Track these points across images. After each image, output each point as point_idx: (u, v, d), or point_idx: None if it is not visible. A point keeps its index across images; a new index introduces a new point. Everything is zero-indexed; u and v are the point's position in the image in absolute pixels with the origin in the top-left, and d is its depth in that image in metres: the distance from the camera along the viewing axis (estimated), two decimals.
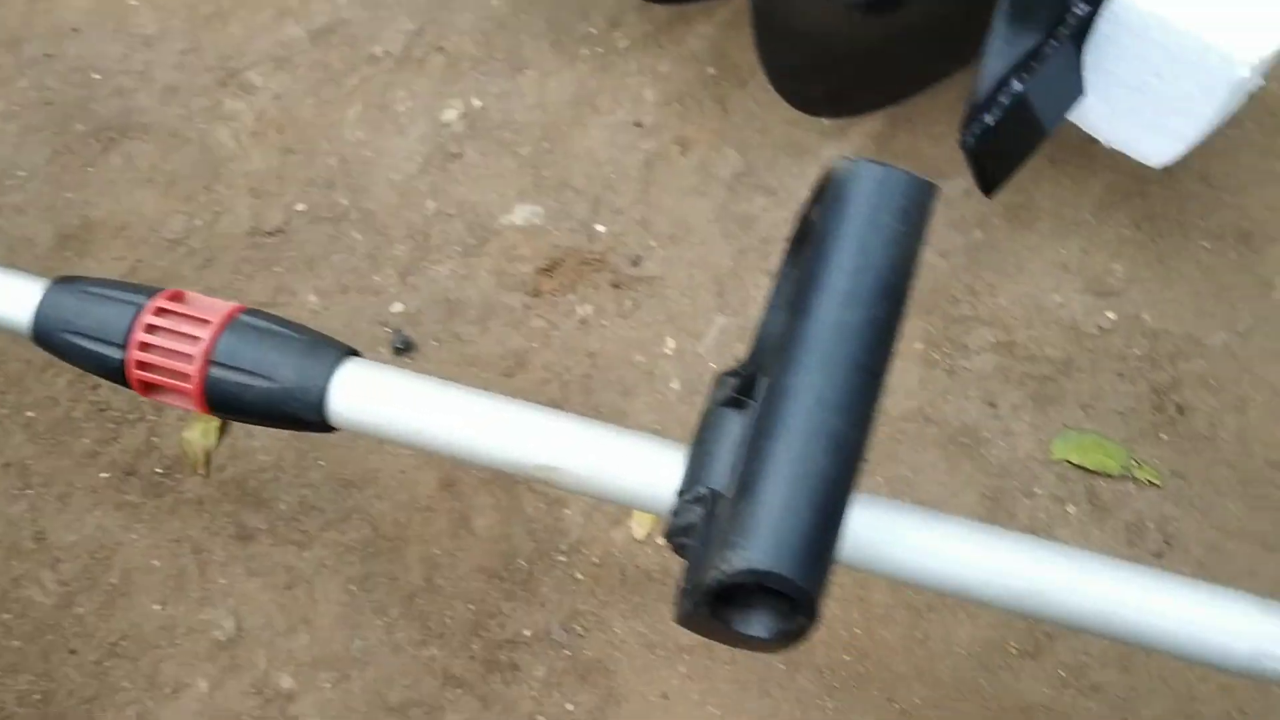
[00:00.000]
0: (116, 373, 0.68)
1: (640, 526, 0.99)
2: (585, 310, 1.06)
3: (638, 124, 1.11)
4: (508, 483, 1.00)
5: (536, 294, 1.06)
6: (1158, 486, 1.00)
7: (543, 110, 1.12)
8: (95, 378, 0.79)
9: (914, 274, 0.57)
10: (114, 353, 0.67)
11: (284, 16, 1.19)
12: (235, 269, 1.07)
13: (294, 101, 1.13)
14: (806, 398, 0.53)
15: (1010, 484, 1.01)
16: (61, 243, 1.09)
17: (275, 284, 1.06)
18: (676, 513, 0.58)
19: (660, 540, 0.99)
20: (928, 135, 1.09)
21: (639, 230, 1.08)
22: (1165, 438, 1.01)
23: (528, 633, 0.98)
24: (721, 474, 0.56)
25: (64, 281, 0.70)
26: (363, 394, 0.68)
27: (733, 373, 0.60)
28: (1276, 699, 0.95)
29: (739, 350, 1.06)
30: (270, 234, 1.08)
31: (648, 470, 0.64)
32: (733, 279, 1.07)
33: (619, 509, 1.00)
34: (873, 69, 1.04)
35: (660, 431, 1.02)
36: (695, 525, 0.56)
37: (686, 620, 0.54)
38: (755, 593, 0.53)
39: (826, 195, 0.57)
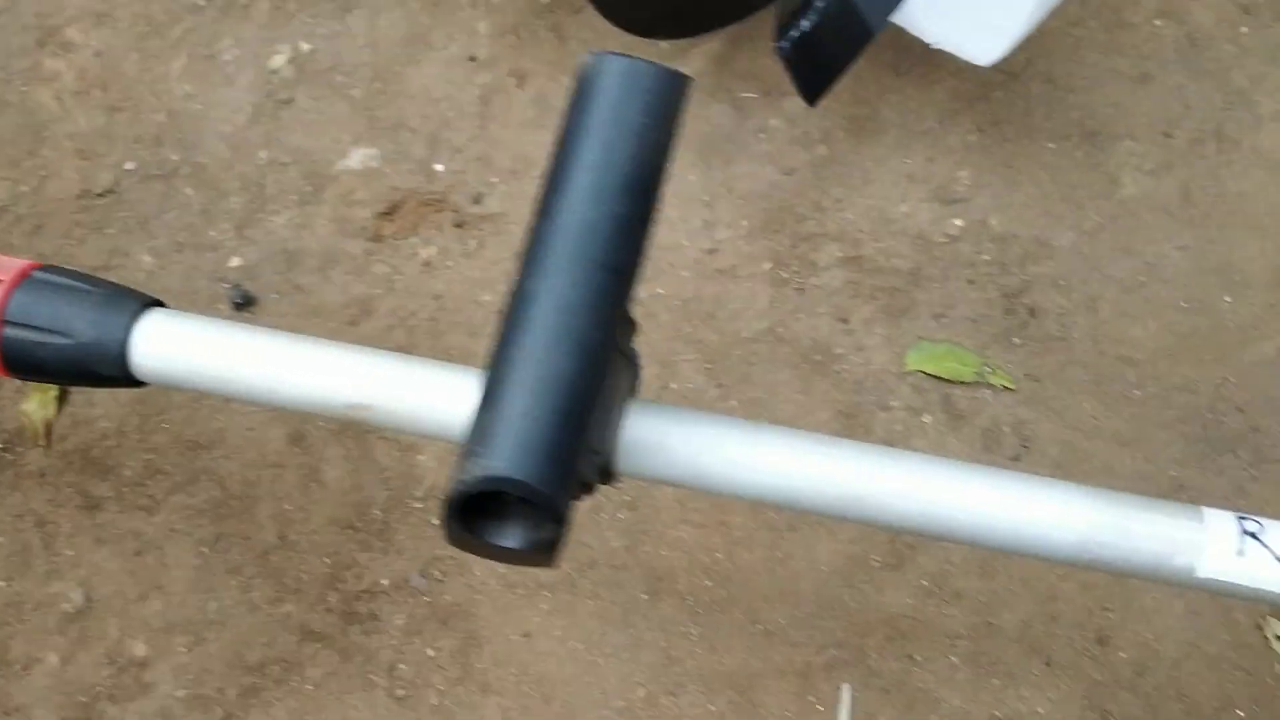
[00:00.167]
0: None
1: None
2: (429, 252, 1.04)
3: (472, 59, 1.09)
4: (358, 433, 0.98)
5: (378, 239, 1.04)
6: (1012, 391, 1.00)
7: (374, 50, 1.09)
8: None
9: (666, 168, 0.56)
10: None
11: None
12: (66, 234, 1.04)
13: (117, 57, 1.09)
14: (545, 300, 0.51)
15: (865, 399, 1.00)
16: None
17: (109, 246, 1.03)
18: None
19: None
20: (770, 53, 1.08)
21: (479, 167, 1.06)
22: (1018, 341, 1.01)
23: (386, 582, 0.96)
24: None
25: None
26: (166, 345, 0.66)
27: None
28: (1136, 593, 0.96)
29: None
30: (100, 195, 1.05)
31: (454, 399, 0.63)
32: None
33: None
34: None
35: None
36: None
37: (449, 538, 0.52)
38: (510, 504, 0.52)
39: (574, 92, 0.56)
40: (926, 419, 0.99)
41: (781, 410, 0.99)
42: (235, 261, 1.04)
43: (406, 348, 1.01)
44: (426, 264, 1.04)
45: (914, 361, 1.00)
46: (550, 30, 1.12)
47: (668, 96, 0.55)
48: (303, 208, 1.06)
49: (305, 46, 1.11)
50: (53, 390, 1.00)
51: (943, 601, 0.95)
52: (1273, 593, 0.70)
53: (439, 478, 0.98)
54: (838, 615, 0.95)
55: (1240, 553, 0.70)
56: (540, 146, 1.08)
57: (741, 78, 1.09)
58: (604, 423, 0.57)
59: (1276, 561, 0.70)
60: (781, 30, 0.91)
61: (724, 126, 1.08)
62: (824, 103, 1.06)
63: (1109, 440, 0.98)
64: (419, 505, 0.98)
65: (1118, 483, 0.99)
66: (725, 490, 0.67)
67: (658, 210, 0.58)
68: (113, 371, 0.65)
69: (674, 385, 1.00)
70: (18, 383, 0.99)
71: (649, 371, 1.01)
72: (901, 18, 0.92)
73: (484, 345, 1.01)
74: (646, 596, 0.96)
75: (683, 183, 1.06)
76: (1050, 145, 1.08)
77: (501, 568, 0.98)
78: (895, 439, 0.98)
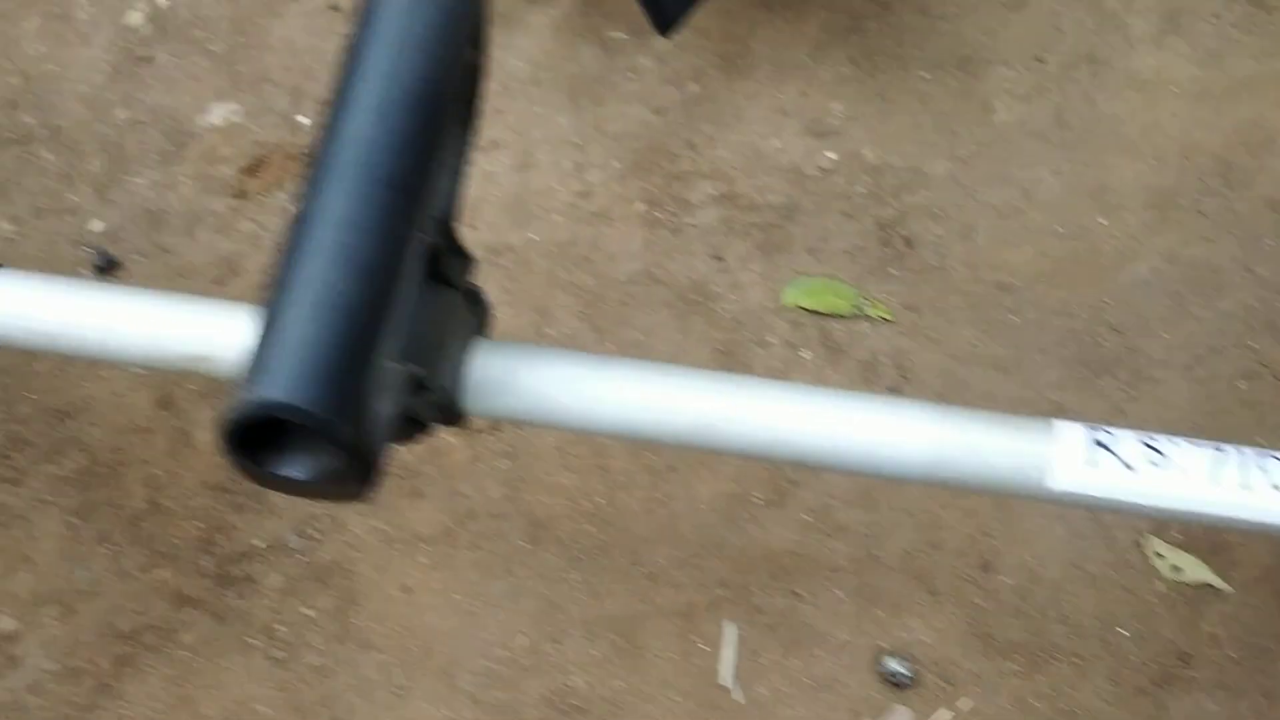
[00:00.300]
0: None
1: None
2: None
3: (334, 7, 1.07)
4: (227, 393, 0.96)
5: (243, 195, 1.02)
6: (891, 322, 0.99)
7: (234, 3, 1.07)
8: None
9: (455, 84, 0.54)
10: None
11: None
12: None
13: None
14: (323, 220, 0.49)
15: (743, 336, 1.00)
16: None
17: None
18: None
19: None
20: None
21: None
22: (895, 272, 1.01)
23: (260, 543, 0.95)
24: None
25: None
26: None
27: None
28: (1018, 518, 0.96)
29: (463, 230, 1.03)
30: None
31: None
32: None
33: None
34: None
35: None
36: None
37: (238, 470, 0.50)
38: (299, 434, 0.50)
39: (360, 7, 0.54)
40: (805, 354, 0.99)
41: (659, 351, 0.98)
42: (97, 225, 1.02)
43: None
44: None
45: (791, 297, 1.00)
46: None
47: (457, 11, 0.53)
48: (165, 167, 1.03)
49: (163, 2, 1.09)
50: None
51: (825, 535, 0.95)
52: (1125, 502, 0.70)
53: None
54: (720, 554, 0.95)
55: (1091, 463, 0.70)
56: None
57: (610, 18, 1.08)
58: (433, 358, 0.56)
59: (1128, 470, 0.70)
60: None
61: (593, 67, 1.07)
62: (695, 40, 1.05)
63: (988, 367, 0.98)
64: None
65: (997, 409, 0.99)
66: (578, 425, 0.66)
67: (460, 130, 0.56)
68: None
69: (550, 331, 0.99)
70: None
71: (524, 319, 1.00)
72: None
73: None
74: (527, 545, 0.95)
75: (552, 125, 1.05)
76: (923, 74, 1.07)
77: (380, 523, 0.96)
78: (774, 375, 0.98)
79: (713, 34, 1.07)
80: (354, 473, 0.49)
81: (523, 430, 0.95)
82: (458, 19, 0.55)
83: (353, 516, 0.95)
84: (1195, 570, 0.95)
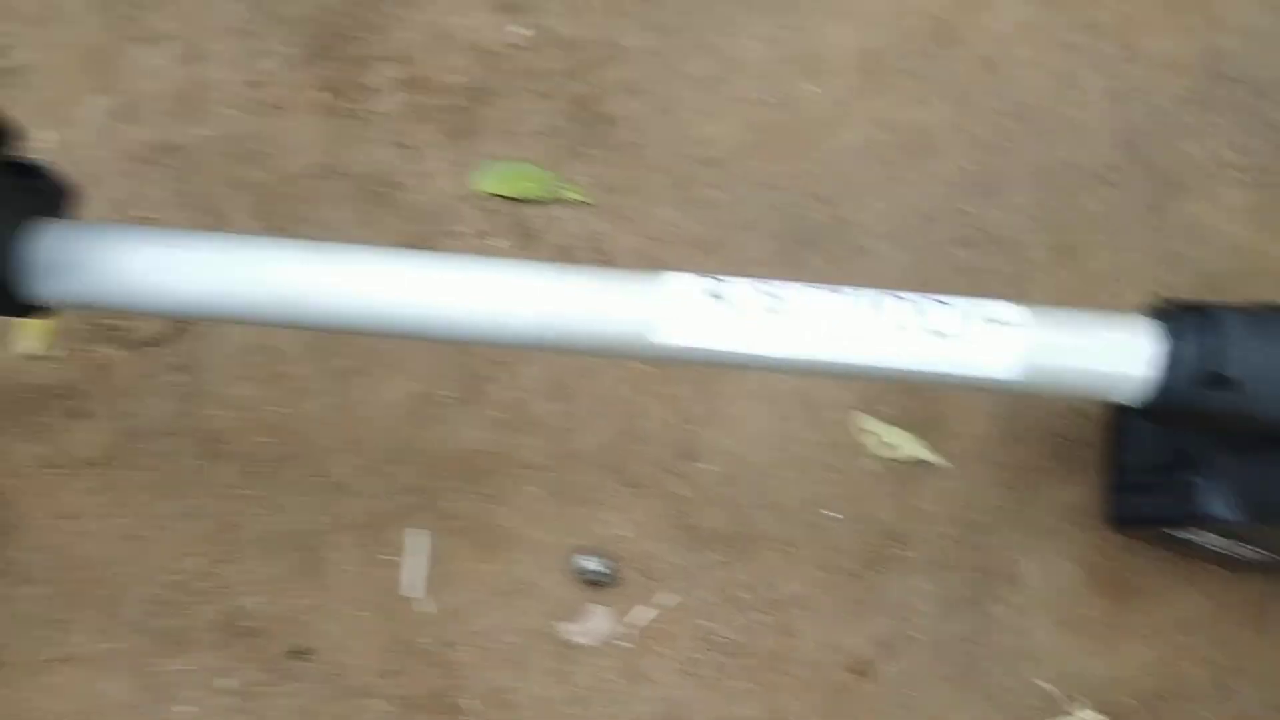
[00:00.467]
0: None
1: (31, 340, 0.89)
2: None
3: None
4: None
5: None
6: (588, 204, 0.94)
7: None
8: None
9: None
10: None
11: None
12: None
13: None
14: None
15: (432, 227, 0.94)
16: None
17: None
18: None
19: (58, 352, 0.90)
20: None
21: (1, 17, 0.96)
22: (593, 152, 0.95)
23: None
24: None
25: None
26: None
27: None
28: (720, 403, 0.92)
29: (125, 129, 0.96)
30: None
31: None
32: (105, 55, 0.96)
33: (3, 326, 0.91)
34: None
35: None
36: None
37: None
38: None
39: None
40: (499, 242, 0.93)
41: None
42: None
43: None
44: None
45: (482, 183, 0.94)
46: None
47: None
48: None
49: None
50: None
51: (519, 432, 0.90)
52: (742, 354, 0.66)
53: None
54: (409, 459, 0.89)
55: (703, 315, 0.65)
56: None
57: None
58: None
59: (744, 320, 0.65)
60: None
61: None
62: None
63: (690, 246, 0.93)
64: None
65: None
66: (160, 306, 0.60)
67: None
68: None
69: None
70: None
71: (196, 222, 0.93)
72: None
73: None
74: (201, 462, 0.89)
75: (224, 12, 0.97)
76: None
77: (42, 448, 0.90)
78: None
79: None
80: None
81: (198, 340, 0.90)
82: None
83: (14, 443, 0.89)
84: (907, 446, 0.91)
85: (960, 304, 0.66)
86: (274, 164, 0.95)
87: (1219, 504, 0.68)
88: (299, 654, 0.86)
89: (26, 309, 0.59)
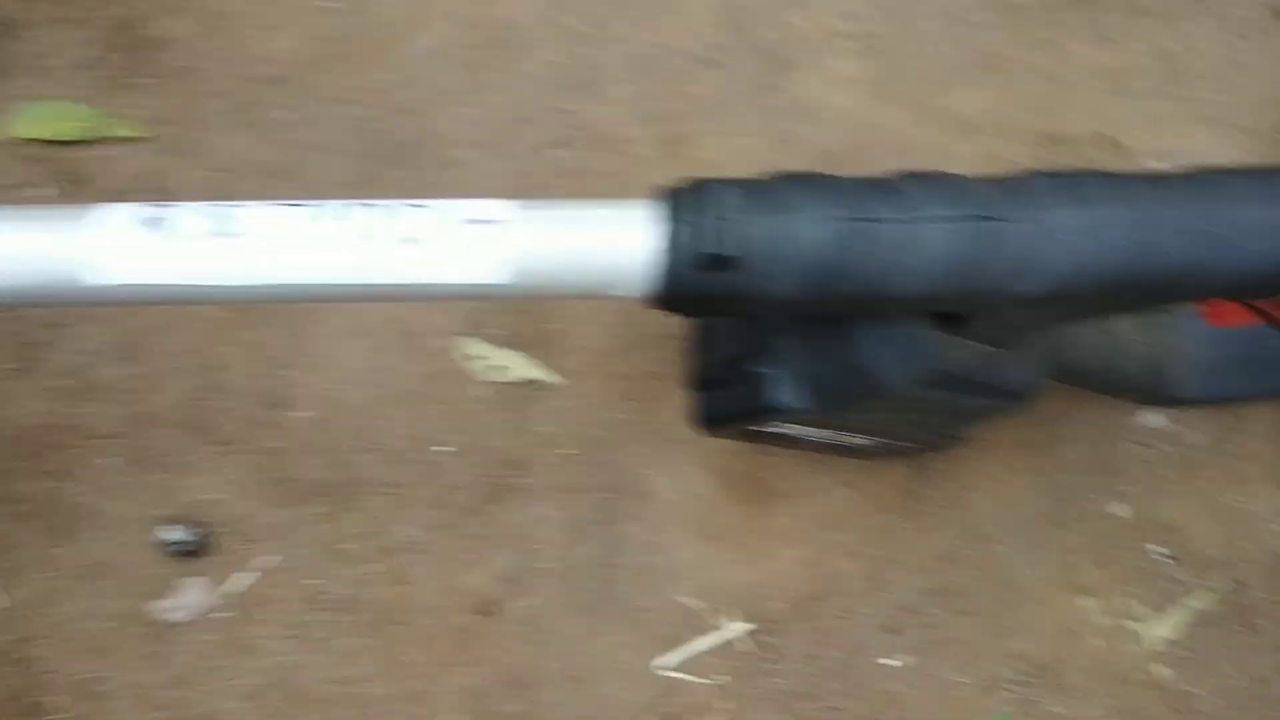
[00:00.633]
0: None
1: None
2: None
3: None
4: None
5: None
6: (144, 140, 0.86)
7: None
8: None
9: None
10: None
11: None
12: None
13: None
14: None
15: None
16: None
17: None
18: None
19: None
20: None
21: None
22: (142, 82, 0.90)
23: None
24: None
25: None
26: None
27: None
28: (308, 343, 0.92)
29: None
30: None
31: None
32: None
33: None
34: None
35: None
36: None
37: None
38: None
39: None
40: (43, 191, 0.85)
41: None
42: None
43: None
44: None
45: (18, 129, 0.85)
46: None
47: None
48: None
49: None
50: None
51: (85, 400, 0.84)
52: (183, 286, 0.59)
53: None
54: None
55: (139, 248, 0.57)
56: None
57: None
58: None
59: (188, 249, 0.57)
60: None
61: None
62: None
63: (264, 175, 0.88)
64: None
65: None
66: None
67: None
68: None
69: None
70: None
71: None
72: None
73: None
74: None
75: None
76: None
77: None
78: None
79: None
80: None
81: None
82: None
83: None
84: (518, 367, 0.87)
85: (440, 206, 0.60)
86: None
87: (786, 393, 0.64)
88: None
89: None
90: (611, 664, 0.90)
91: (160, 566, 0.88)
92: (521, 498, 0.92)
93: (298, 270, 0.62)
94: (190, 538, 0.89)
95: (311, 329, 0.92)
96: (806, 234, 0.51)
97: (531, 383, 0.93)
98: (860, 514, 0.94)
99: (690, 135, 0.97)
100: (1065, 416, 0.90)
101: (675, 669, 0.90)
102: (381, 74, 0.96)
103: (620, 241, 0.58)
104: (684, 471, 0.93)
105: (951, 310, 0.62)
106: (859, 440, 0.81)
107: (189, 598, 0.90)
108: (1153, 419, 0.92)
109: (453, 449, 0.92)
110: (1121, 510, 0.93)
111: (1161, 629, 0.92)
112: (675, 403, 0.92)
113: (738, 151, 0.96)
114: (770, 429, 0.77)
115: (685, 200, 0.58)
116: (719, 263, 0.55)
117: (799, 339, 0.69)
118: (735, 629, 0.91)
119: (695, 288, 0.56)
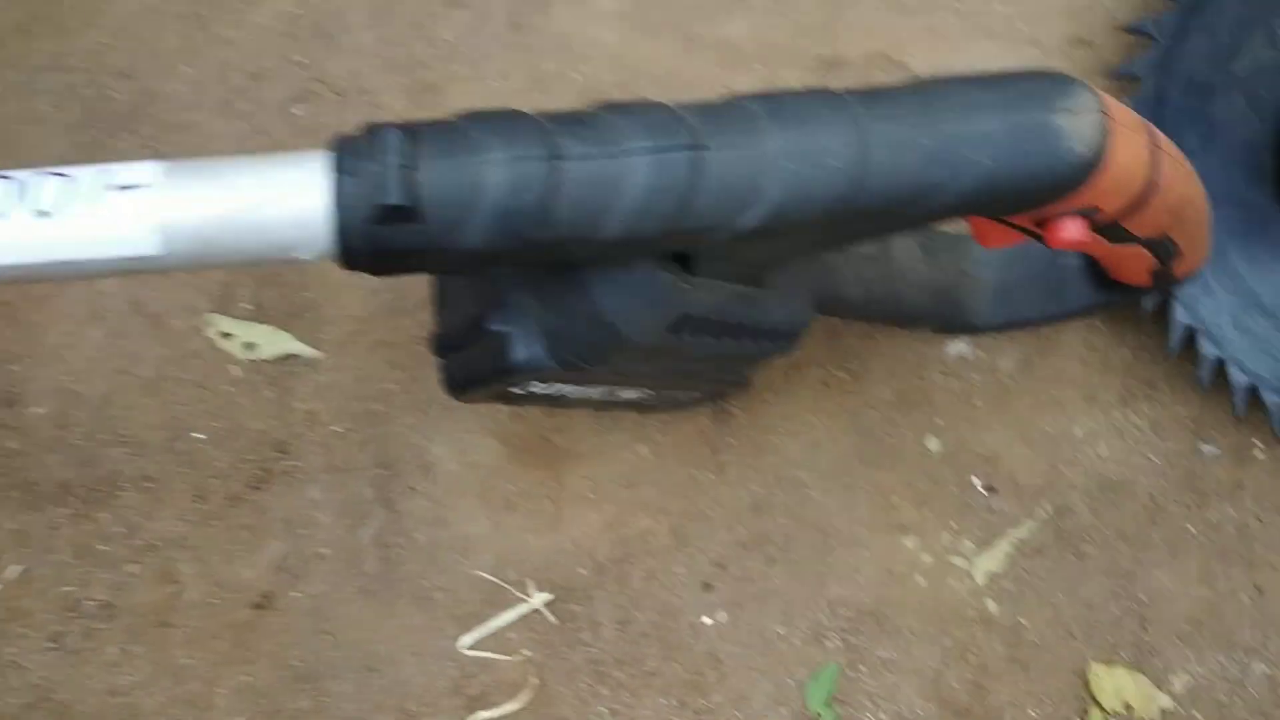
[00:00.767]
0: None
1: None
2: None
3: None
4: None
5: None
6: None
7: None
8: None
9: None
10: None
11: None
12: None
13: None
14: None
15: None
16: None
17: None
18: None
19: None
20: None
21: None
22: None
23: None
24: None
25: None
26: None
27: None
28: (38, 332, 0.85)
29: None
30: None
31: None
32: None
33: None
34: None
35: None
36: None
37: None
38: None
39: None
40: None
41: None
42: None
43: None
44: None
45: None
46: None
47: None
48: None
49: None
50: None
51: None
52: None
53: None
54: None
55: None
56: None
57: None
58: None
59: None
60: None
61: None
62: None
63: None
64: None
65: None
66: None
67: None
68: None
69: None
70: None
71: None
72: None
73: None
74: None
75: None
76: None
77: None
78: None
79: None
80: None
81: None
82: None
83: None
84: (275, 342, 0.84)
85: (83, 173, 0.53)
86: None
87: (527, 351, 0.59)
88: None
89: None
90: (407, 648, 0.91)
91: None
92: (290, 482, 0.89)
93: None
94: None
95: (36, 317, 0.87)
96: (493, 177, 0.48)
97: (290, 358, 0.89)
98: (661, 469, 0.95)
99: (441, 82, 0.94)
100: (869, 352, 0.89)
101: (477, 647, 0.92)
102: (93, 35, 0.94)
103: (288, 199, 0.53)
104: (465, 440, 0.92)
105: (673, 251, 0.59)
106: (636, 394, 0.78)
107: None
108: (959, 348, 0.92)
109: (210, 435, 0.88)
110: (936, 444, 0.96)
111: (989, 563, 0.96)
112: None
113: (494, 96, 0.93)
114: (532, 390, 0.74)
115: (357, 148, 0.53)
116: (397, 214, 0.51)
117: (536, 292, 0.66)
118: (538, 600, 0.89)
119: (375, 244, 0.52)
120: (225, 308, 0.87)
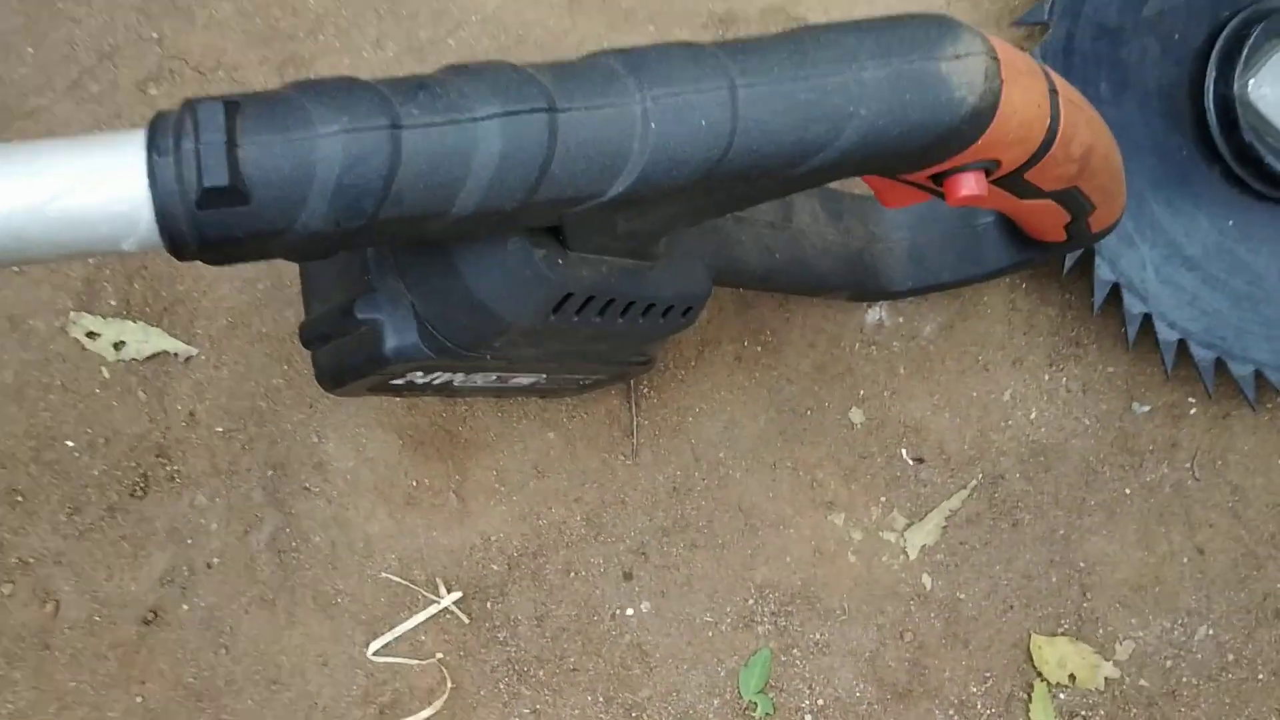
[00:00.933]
0: None
1: None
2: None
3: None
4: None
5: None
6: None
7: None
8: None
9: None
10: None
11: None
12: None
13: None
14: None
15: None
16: None
17: None
18: None
19: None
20: None
21: None
22: None
23: None
24: None
25: None
26: None
27: None
28: None
29: None
30: None
31: None
32: None
33: None
34: None
35: None
36: None
37: None
38: None
39: None
40: None
41: None
42: None
43: None
44: None
45: None
46: None
47: None
48: None
49: None
50: None
51: None
52: None
53: None
54: None
55: None
56: None
57: None
58: None
59: None
60: None
61: None
62: None
63: None
64: None
65: None
66: None
67: None
68: None
69: None
70: None
71: None
72: None
73: None
74: None
75: None
76: None
77: None
78: None
79: None
80: None
81: None
82: None
83: None
84: (146, 340, 0.80)
85: None
86: None
87: (399, 340, 0.55)
88: None
89: None
90: (312, 658, 0.86)
91: None
92: (173, 488, 0.85)
93: None
94: None
95: None
96: (327, 152, 0.43)
97: (163, 356, 0.85)
98: (571, 456, 0.90)
99: (309, 55, 0.89)
100: (784, 324, 0.86)
101: (387, 653, 0.88)
102: None
103: (103, 185, 0.49)
104: (359, 434, 0.87)
105: (542, 225, 0.55)
106: (531, 380, 0.73)
107: None
108: (877, 315, 0.88)
109: (82, 443, 0.84)
110: (860, 416, 0.92)
111: (922, 537, 0.93)
112: None
113: (367, 68, 0.89)
114: (413, 380, 0.70)
115: (172, 126, 0.49)
116: (221, 197, 0.47)
117: (405, 276, 0.62)
118: (448, 599, 0.85)
119: (201, 230, 0.47)
120: (90, 305, 0.82)
